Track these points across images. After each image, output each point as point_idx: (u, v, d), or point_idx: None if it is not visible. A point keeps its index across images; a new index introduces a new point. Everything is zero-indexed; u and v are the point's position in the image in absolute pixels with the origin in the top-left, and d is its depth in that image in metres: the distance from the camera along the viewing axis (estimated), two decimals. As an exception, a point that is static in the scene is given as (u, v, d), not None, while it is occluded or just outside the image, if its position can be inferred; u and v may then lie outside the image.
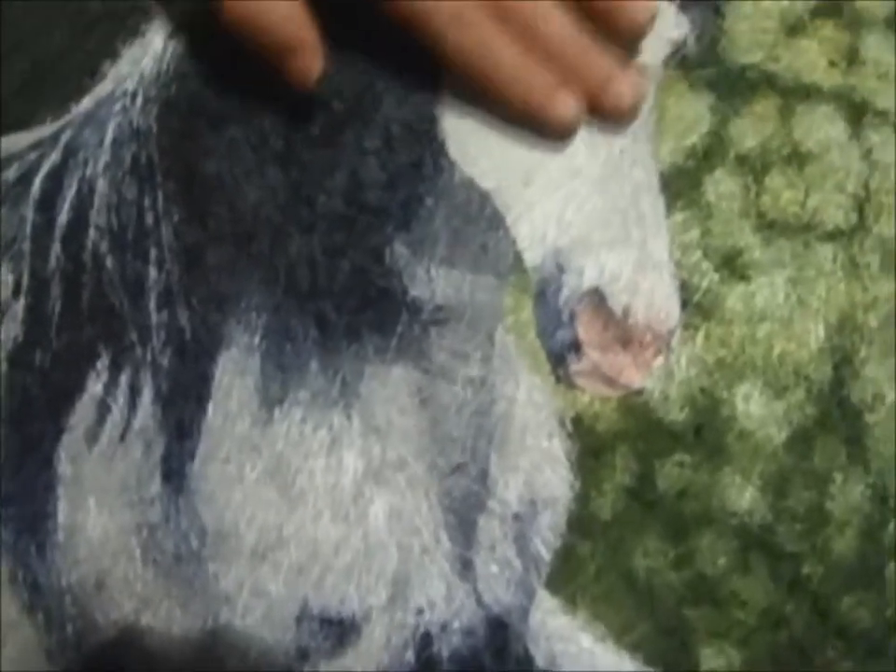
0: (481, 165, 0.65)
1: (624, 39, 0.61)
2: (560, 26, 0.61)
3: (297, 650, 0.58)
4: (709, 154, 0.68)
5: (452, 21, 0.60)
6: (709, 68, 0.70)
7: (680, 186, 0.67)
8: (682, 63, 0.69)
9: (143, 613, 0.57)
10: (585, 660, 0.60)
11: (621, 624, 0.61)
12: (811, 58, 0.71)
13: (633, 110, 0.59)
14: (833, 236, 0.68)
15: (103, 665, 0.56)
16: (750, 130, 0.69)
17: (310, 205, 0.63)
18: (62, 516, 0.58)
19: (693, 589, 0.63)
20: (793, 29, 0.71)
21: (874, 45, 0.72)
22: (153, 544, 0.58)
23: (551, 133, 0.59)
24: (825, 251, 0.67)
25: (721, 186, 0.67)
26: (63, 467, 0.59)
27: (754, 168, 0.68)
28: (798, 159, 0.69)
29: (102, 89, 0.64)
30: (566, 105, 0.59)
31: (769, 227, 0.67)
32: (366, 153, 0.64)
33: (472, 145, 0.65)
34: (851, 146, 0.69)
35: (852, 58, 0.71)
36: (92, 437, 0.59)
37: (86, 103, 0.64)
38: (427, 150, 0.65)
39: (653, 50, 0.68)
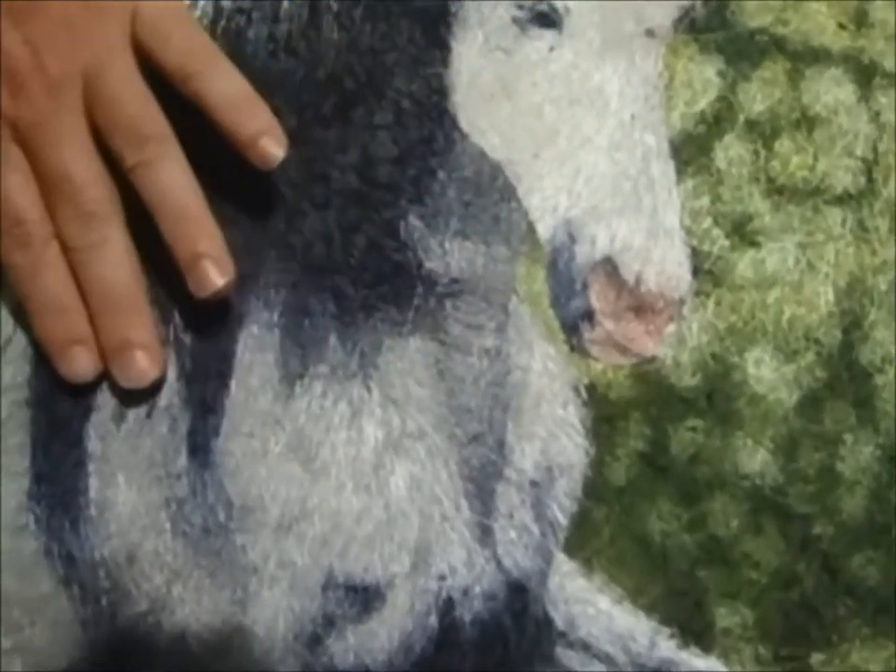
0: (491, 137, 0.70)
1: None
2: (113, 271, 0.67)
3: (323, 617, 0.64)
4: (719, 119, 0.73)
5: (11, 230, 0.66)
6: (718, 32, 0.75)
7: (691, 152, 0.72)
8: (692, 26, 0.74)
9: (174, 585, 0.63)
10: (603, 621, 0.66)
11: (636, 586, 0.67)
12: (820, 21, 0.76)
13: (138, 381, 0.65)
14: (841, 200, 0.73)
15: (138, 633, 0.62)
16: (759, 94, 0.74)
17: (324, 183, 0.69)
18: (93, 492, 0.63)
19: (707, 551, 0.68)
20: (801, -9, 0.76)
21: (882, 6, 0.77)
22: (181, 518, 0.64)
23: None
24: (834, 215, 0.72)
25: (731, 151, 0.72)
26: (93, 444, 0.64)
27: (763, 133, 0.73)
28: (807, 123, 0.74)
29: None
30: (73, 361, 0.66)
31: (779, 192, 0.72)
32: (377, 129, 0.70)
33: (483, 117, 0.70)
34: (860, 108, 0.74)
35: (861, 20, 0.76)
36: (120, 415, 0.64)
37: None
38: (437, 124, 0.70)
39: (664, 13, 0.74)
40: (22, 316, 0.65)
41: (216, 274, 0.64)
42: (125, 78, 0.65)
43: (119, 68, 0.65)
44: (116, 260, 0.65)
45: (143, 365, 0.65)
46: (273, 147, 0.65)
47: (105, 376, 0.65)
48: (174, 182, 0.65)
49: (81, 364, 0.65)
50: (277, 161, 0.65)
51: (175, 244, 0.64)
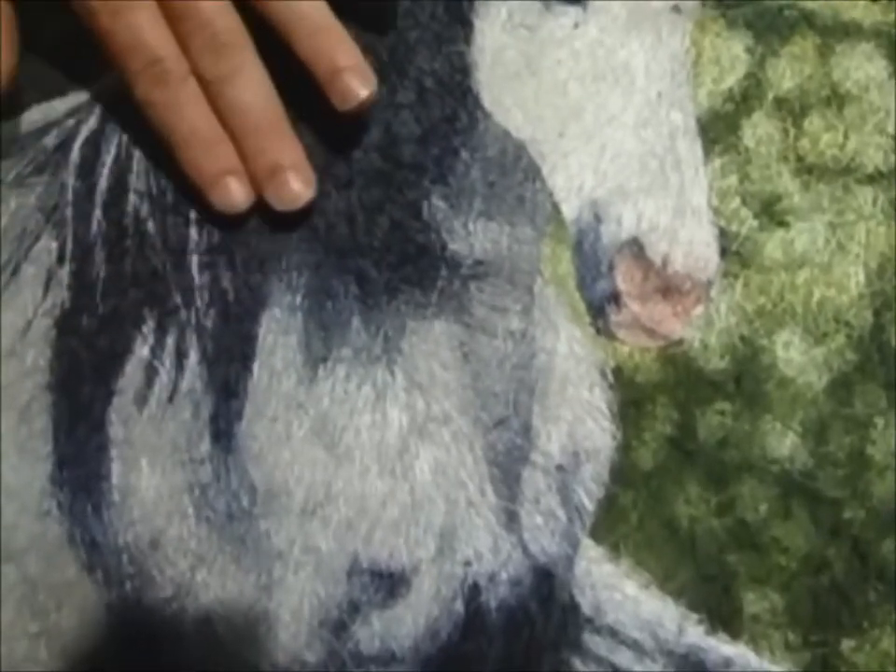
0: (515, 116, 0.72)
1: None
2: (254, 97, 0.71)
3: (348, 603, 0.66)
4: (747, 97, 0.75)
5: (148, 69, 0.70)
6: (746, 7, 0.77)
7: (718, 130, 0.74)
8: (719, 1, 0.77)
9: (198, 570, 0.65)
10: (630, 607, 0.68)
11: (664, 571, 0.70)
12: (850, -6, 0.79)
13: (292, 203, 0.69)
14: (872, 179, 0.75)
15: (162, 619, 0.65)
16: (788, 71, 0.75)
17: (346, 162, 0.71)
18: (115, 477, 0.65)
19: (735, 535, 0.70)
20: (832, -37, 0.78)
21: (914, -21, 0.80)
22: (205, 503, 0.67)
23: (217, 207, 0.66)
24: (865, 194, 0.74)
25: (760, 129, 0.74)
26: (115, 429, 0.66)
27: (793, 111, 0.75)
28: (837, 100, 0.75)
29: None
30: (228, 192, 0.70)
31: (808, 171, 0.74)
32: (400, 108, 0.72)
33: (506, 95, 0.72)
34: (891, 85, 0.75)
35: (892, -7, 0.79)
36: (142, 399, 0.67)
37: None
38: (460, 103, 0.72)
39: (691, -13, 0.76)
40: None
41: (358, 85, 0.68)
42: None
43: None
44: (255, 86, 0.68)
45: (296, 187, 0.68)
46: None
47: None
48: (306, 2, 0.68)
49: (235, 194, 0.68)
50: None
51: (314, 58, 0.68)
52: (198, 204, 0.70)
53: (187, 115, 0.68)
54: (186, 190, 0.69)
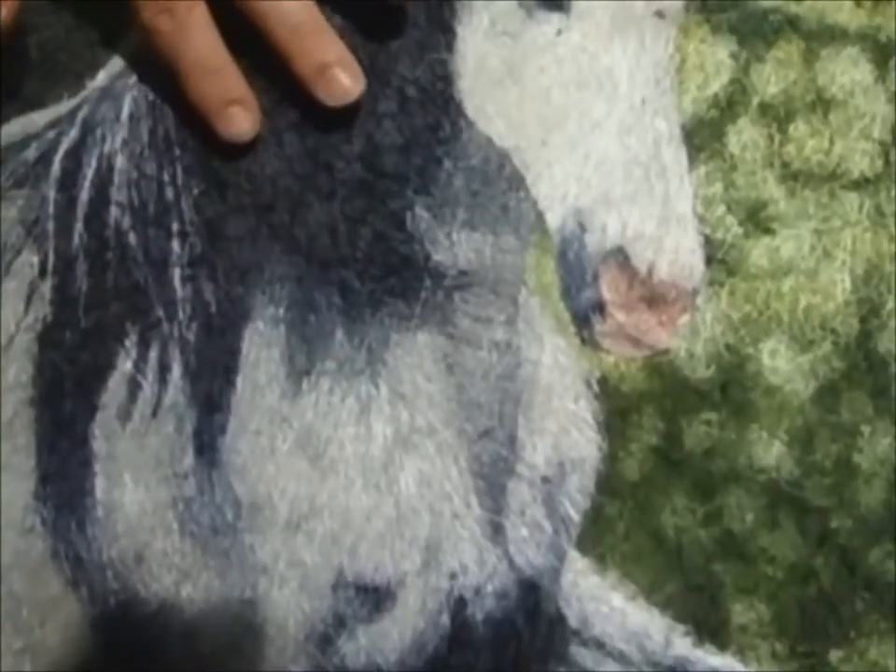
0: (498, 124, 0.73)
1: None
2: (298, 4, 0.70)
3: (334, 616, 0.67)
4: (732, 103, 0.76)
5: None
6: (731, 11, 0.78)
7: (703, 137, 0.75)
8: (703, 6, 0.78)
9: (182, 585, 0.67)
10: (616, 619, 0.69)
11: (651, 583, 0.70)
12: (835, -3, 0.80)
13: (343, 99, 0.70)
14: (858, 185, 0.76)
15: (147, 634, 0.67)
16: (773, 76, 0.77)
17: (328, 173, 0.72)
18: (99, 493, 0.67)
19: (722, 546, 0.71)
20: (817, -33, 0.80)
21: (899, -19, 0.81)
22: (189, 517, 0.68)
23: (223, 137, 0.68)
24: (851, 200, 0.75)
25: (745, 136, 0.75)
26: (98, 444, 0.67)
27: (778, 116, 0.76)
28: (822, 105, 0.76)
29: (117, 63, 0.74)
30: (233, 121, 0.71)
31: (794, 177, 0.75)
32: (382, 117, 0.74)
33: (489, 103, 0.74)
34: (877, 89, 0.76)
35: (877, -3, 0.80)
36: (125, 414, 0.68)
37: (101, 78, 0.73)
38: (443, 111, 0.73)
39: (675, -7, 0.77)
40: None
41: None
42: None
43: None
44: None
45: (346, 82, 0.70)
46: None
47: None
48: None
49: (240, 123, 0.70)
50: None
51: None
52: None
53: (193, 42, 0.69)
54: (167, 203, 0.71)
